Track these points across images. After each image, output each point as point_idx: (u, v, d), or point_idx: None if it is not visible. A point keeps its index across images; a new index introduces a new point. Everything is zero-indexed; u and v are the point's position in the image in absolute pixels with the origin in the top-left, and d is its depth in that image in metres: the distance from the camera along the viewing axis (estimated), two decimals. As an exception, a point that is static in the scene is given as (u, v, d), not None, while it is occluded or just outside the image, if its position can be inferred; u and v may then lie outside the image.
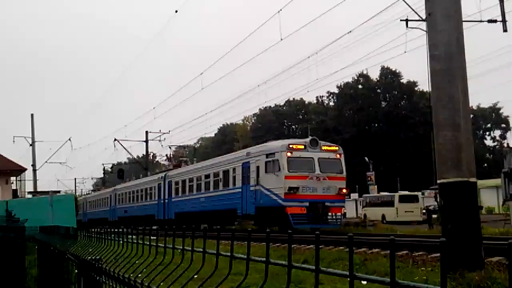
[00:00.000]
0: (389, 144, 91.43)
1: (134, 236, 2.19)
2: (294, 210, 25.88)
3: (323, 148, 28.04)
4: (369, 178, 70.15)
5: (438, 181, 11.92)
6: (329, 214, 27.13)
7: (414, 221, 41.60)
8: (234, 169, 30.92)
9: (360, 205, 59.52)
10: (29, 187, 56.40)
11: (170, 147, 60.13)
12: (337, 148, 29.25)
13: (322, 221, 26.47)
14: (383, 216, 46.42)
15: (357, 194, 76.05)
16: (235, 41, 77.64)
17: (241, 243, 10.96)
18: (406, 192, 51.94)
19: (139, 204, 46.47)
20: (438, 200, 12.27)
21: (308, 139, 28.32)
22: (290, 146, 27.45)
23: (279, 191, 26.52)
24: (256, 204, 27.87)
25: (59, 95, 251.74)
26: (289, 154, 26.88)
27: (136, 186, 48.87)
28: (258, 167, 28.28)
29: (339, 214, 28.08)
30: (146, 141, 61.49)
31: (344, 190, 28.35)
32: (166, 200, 39.66)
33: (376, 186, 68.05)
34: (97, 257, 2.59)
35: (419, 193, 52.33)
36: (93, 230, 3.11)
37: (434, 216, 37.89)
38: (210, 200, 32.93)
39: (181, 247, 1.60)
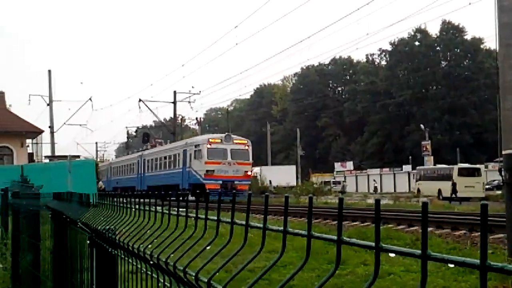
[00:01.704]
0: (449, 109, 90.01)
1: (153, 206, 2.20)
2: (211, 186, 38.55)
3: (235, 141, 41.34)
4: (424, 148, 69.45)
5: (503, 152, 11.67)
6: (237, 189, 37.84)
7: (476, 197, 41.05)
8: (179, 154, 43.98)
9: (413, 178, 59.02)
10: (46, 150, 57.67)
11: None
12: (246, 141, 42.54)
13: (231, 194, 37.39)
14: (440, 191, 45.91)
15: (410, 166, 75.55)
16: (275, -10, 76.82)
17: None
18: (467, 165, 51.13)
19: (126, 177, 58.72)
20: (503, 174, 12.03)
21: (224, 135, 42.19)
22: (210, 140, 41.23)
23: (201, 172, 39.82)
24: (189, 181, 41.12)
25: (80, 51, 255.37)
26: (208, 146, 40.17)
27: (124, 162, 62.24)
28: (190, 154, 41.40)
29: (245, 189, 39.17)
30: (174, 102, 61.82)
31: (249, 173, 42.03)
32: (142, 175, 53.27)
33: (432, 157, 67.31)
34: (111, 227, 2.61)
35: (481, 166, 51.44)
36: (108, 197, 3.15)
37: (499, 192, 37.24)
38: (166, 176, 45.84)
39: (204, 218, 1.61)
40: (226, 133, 42.98)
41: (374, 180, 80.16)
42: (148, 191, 47.40)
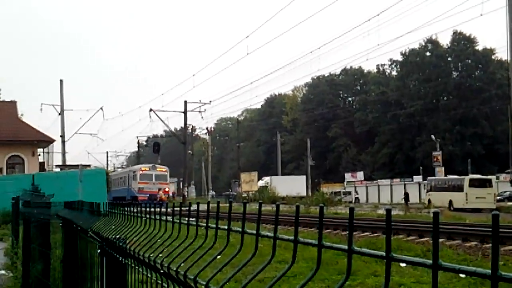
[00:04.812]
0: (460, 120, 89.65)
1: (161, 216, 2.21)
2: (142, 198, 54.34)
3: (157, 169, 59.78)
4: (435, 159, 69.10)
5: (515, 163, 11.61)
6: (159, 200, 52.95)
7: (487, 208, 40.76)
8: (126, 176, 63.63)
9: (424, 189, 58.74)
10: (57, 160, 58.02)
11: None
12: (165, 169, 60.95)
13: (155, 204, 50.57)
14: (450, 202, 45.65)
15: (420, 177, 75.14)
16: (285, 0, 77.35)
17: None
18: (478, 176, 50.77)
19: None
20: (515, 185, 11.96)
21: (151, 165, 61.94)
22: (142, 168, 60.21)
23: (136, 189, 57.90)
24: (130, 195, 58.64)
25: (91, 61, 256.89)
26: (141, 172, 58.73)
27: None
28: (131, 177, 60.32)
29: (164, 200, 51.58)
30: (185, 112, 62.11)
31: (167, 189, 60.41)
32: (108, 190, 69.49)
33: (443, 168, 66.95)
34: (121, 236, 2.61)
35: (493, 177, 51.06)
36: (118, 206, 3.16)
37: (510, 203, 37.04)
38: (120, 191, 62.53)
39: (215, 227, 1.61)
40: (152, 164, 63.51)
41: (356, 192, 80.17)
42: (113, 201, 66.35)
